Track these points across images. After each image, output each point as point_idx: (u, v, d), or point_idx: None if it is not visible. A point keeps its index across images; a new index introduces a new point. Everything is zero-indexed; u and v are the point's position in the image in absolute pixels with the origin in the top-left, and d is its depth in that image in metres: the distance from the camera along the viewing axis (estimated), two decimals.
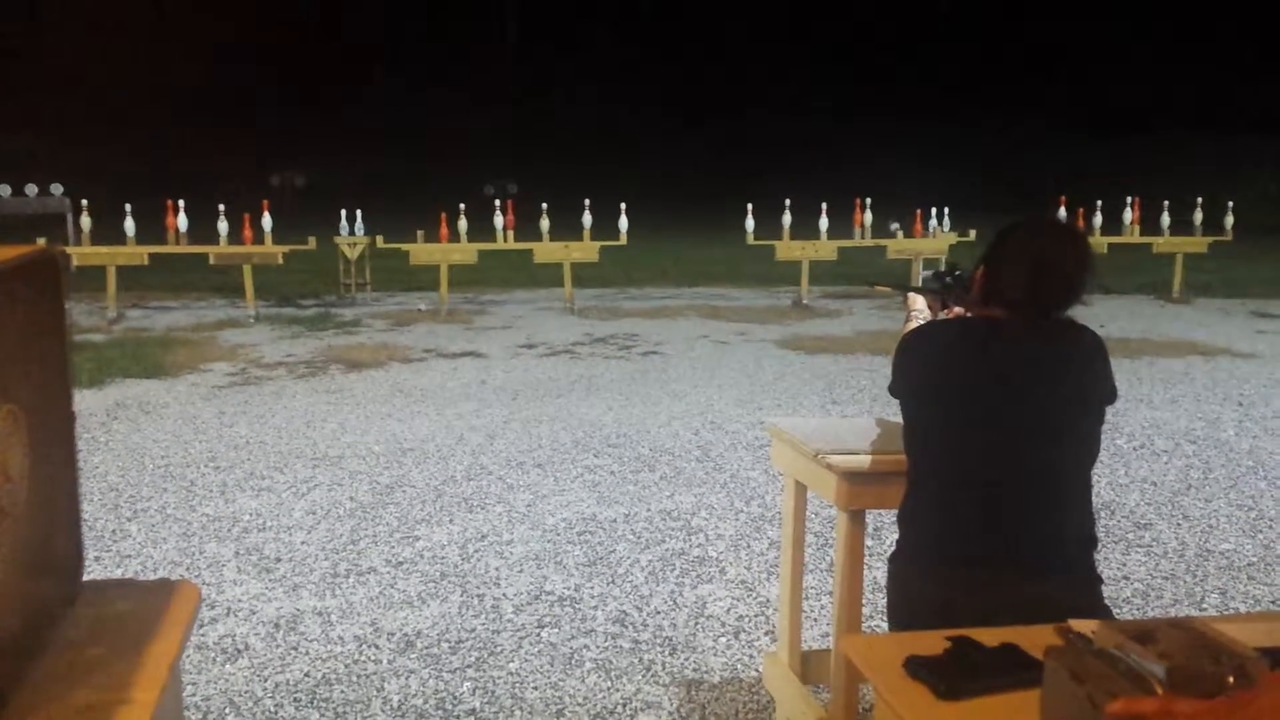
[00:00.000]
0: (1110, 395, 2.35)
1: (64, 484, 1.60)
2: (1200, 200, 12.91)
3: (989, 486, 2.25)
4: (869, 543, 2.99)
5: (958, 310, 2.73)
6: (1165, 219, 12.91)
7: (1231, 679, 1.26)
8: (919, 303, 2.91)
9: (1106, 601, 2.44)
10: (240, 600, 4.10)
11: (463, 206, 11.67)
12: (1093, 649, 1.35)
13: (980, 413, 2.27)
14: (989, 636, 1.75)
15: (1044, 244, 2.33)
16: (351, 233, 12.44)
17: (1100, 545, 2.39)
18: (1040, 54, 32.71)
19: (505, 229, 11.71)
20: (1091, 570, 2.32)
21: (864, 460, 2.79)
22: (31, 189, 13.02)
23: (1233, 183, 19.23)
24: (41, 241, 8.87)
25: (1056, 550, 2.25)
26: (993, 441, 2.26)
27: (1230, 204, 13.00)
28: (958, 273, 2.81)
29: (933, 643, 1.73)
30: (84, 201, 11.12)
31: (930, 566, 2.30)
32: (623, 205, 11.71)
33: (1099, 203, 12.82)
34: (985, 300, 2.37)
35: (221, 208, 11.06)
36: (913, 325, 2.72)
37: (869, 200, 12.35)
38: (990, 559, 2.23)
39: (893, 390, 2.51)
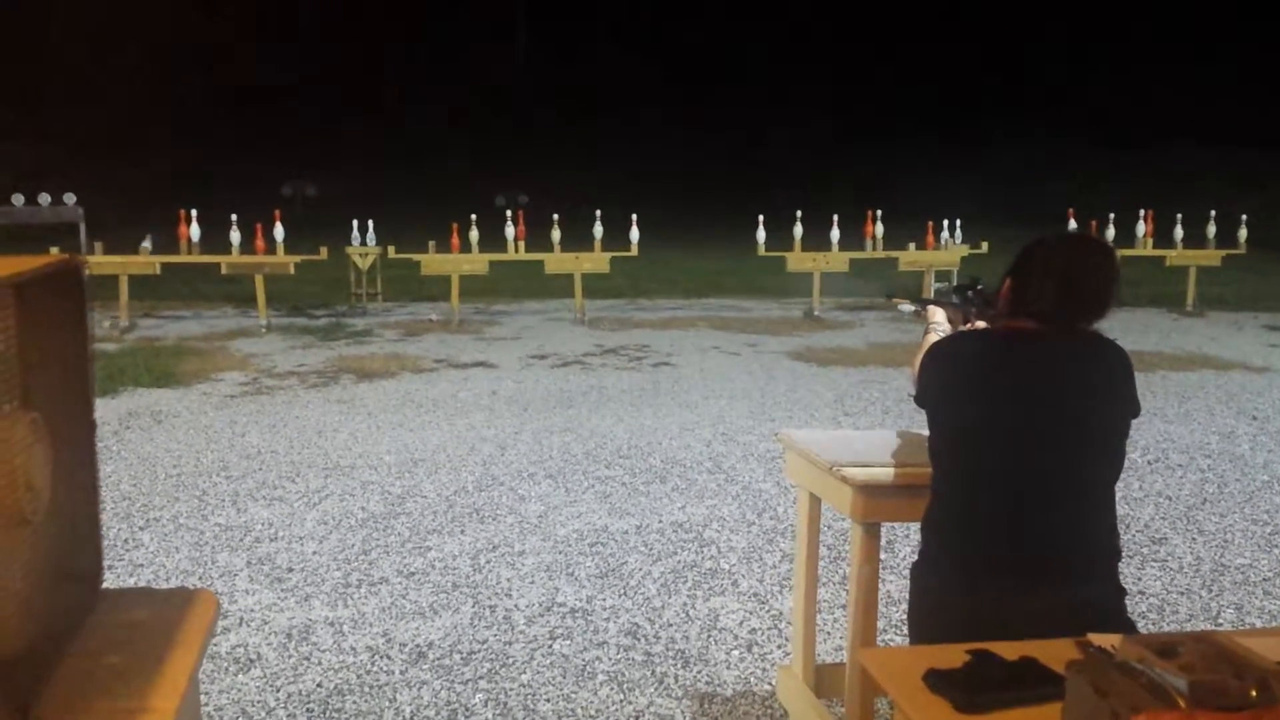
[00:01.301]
0: (1134, 409, 2.36)
1: (85, 492, 1.61)
2: (1214, 213, 12.88)
3: (1015, 493, 2.26)
4: (882, 556, 2.98)
5: (980, 324, 2.73)
6: (1178, 232, 12.88)
7: (1254, 693, 1.25)
8: (939, 315, 2.91)
9: (1131, 619, 2.44)
10: (252, 610, 4.10)
11: (474, 217, 11.71)
12: (1115, 662, 1.34)
13: (1007, 420, 2.28)
14: (1009, 650, 1.74)
15: (1072, 257, 2.34)
16: (363, 243, 12.48)
17: (1122, 556, 2.39)
18: (1054, 66, 32.71)
19: (516, 240, 11.74)
20: (1115, 580, 2.33)
21: (879, 473, 2.78)
22: (44, 198, 13.06)
23: (1246, 196, 19.19)
24: (55, 251, 8.92)
25: (1082, 558, 2.26)
26: (1019, 449, 2.27)
27: (1244, 217, 12.97)
28: (979, 287, 2.80)
29: (952, 656, 1.72)
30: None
31: (954, 572, 2.31)
32: (634, 216, 11.73)
33: (1112, 215, 12.81)
34: (1013, 312, 2.38)
35: (234, 217, 11.11)
36: (933, 337, 2.72)
37: (879, 212, 12.37)
38: (1015, 565, 2.24)
39: (919, 399, 2.51)
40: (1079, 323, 2.32)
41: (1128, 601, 4.17)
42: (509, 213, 12.06)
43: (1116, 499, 2.36)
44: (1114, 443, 2.32)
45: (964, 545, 2.31)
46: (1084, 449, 2.27)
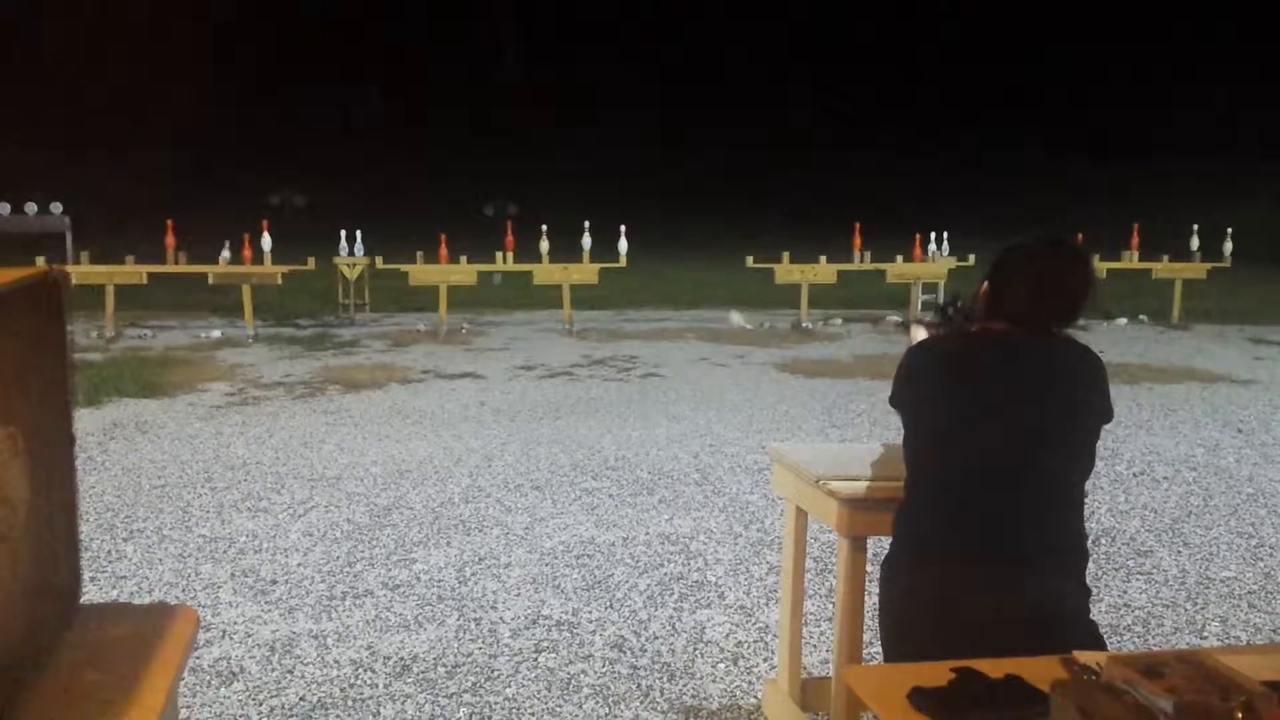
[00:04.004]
0: (1106, 414, 2.40)
1: (63, 507, 1.59)
2: (1196, 227, 12.96)
3: (983, 492, 2.30)
4: (870, 569, 2.97)
5: None
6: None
7: (1240, 715, 1.25)
8: (920, 333, 2.93)
9: (1105, 629, 2.46)
10: (236, 623, 4.07)
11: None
12: (1100, 683, 1.33)
13: (978, 420, 2.33)
14: (993, 668, 1.73)
15: (1047, 261, 2.39)
16: (351, 253, 12.45)
17: (1090, 558, 2.43)
18: (1040, 80, 32.88)
19: (505, 250, 11.73)
20: (1080, 579, 2.36)
21: (866, 487, 2.78)
22: (31, 207, 13.02)
23: (1232, 209, 19.30)
24: (40, 261, 8.87)
25: (1047, 556, 2.30)
26: (989, 448, 2.31)
27: (1229, 230, 13.05)
28: (959, 304, 2.82)
29: (936, 674, 1.71)
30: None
31: (921, 569, 2.34)
32: (622, 228, 11.74)
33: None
34: (989, 315, 2.43)
35: (226, 244, 11.08)
36: None
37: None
38: (981, 562, 2.27)
39: (893, 400, 2.55)
40: (1052, 325, 2.37)
41: (1113, 615, 4.18)
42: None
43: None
44: (1083, 445, 2.36)
45: (932, 542, 2.34)
46: (1053, 449, 2.31)
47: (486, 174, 28.03)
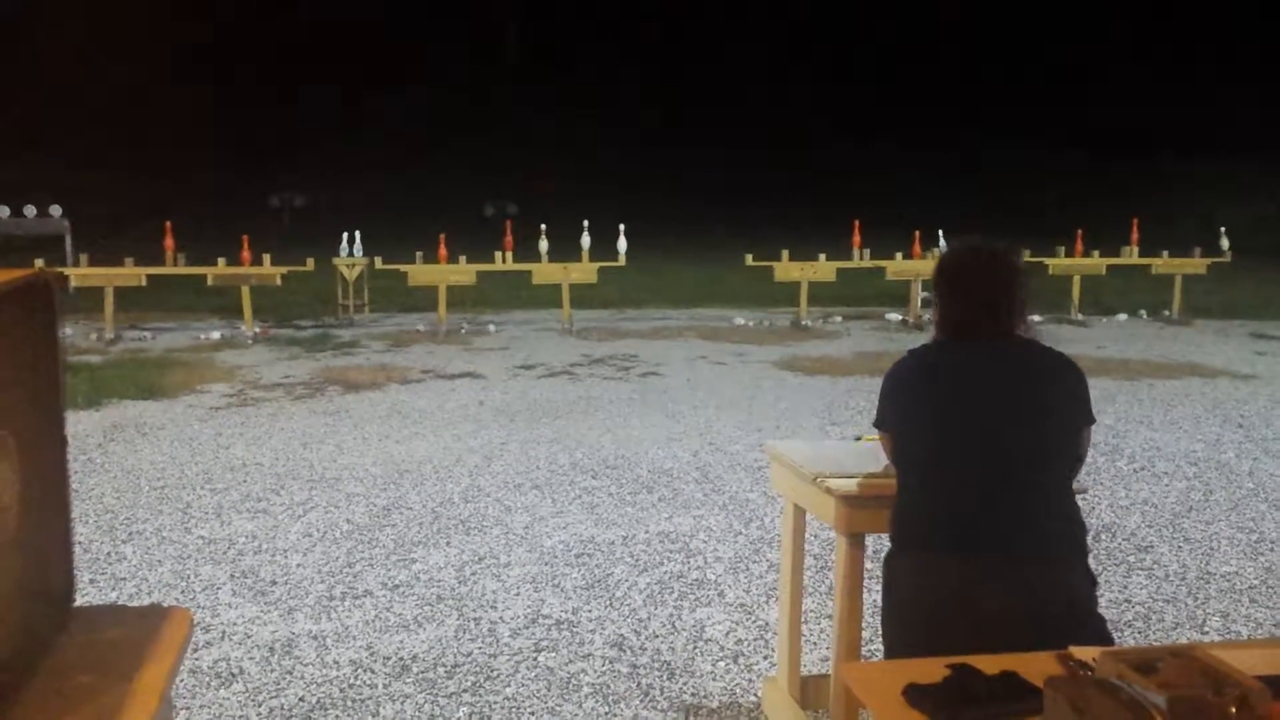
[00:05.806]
0: (1087, 416, 2.48)
1: (55, 509, 1.59)
2: (1225, 229, 12.97)
3: (975, 487, 2.37)
4: (868, 566, 2.97)
5: None
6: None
7: (1234, 710, 1.24)
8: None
9: (1103, 614, 2.49)
10: (235, 624, 4.07)
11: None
12: (1093, 678, 1.33)
13: (961, 419, 2.40)
14: (989, 664, 1.73)
15: (967, 269, 2.50)
16: (350, 254, 12.44)
17: (1090, 553, 2.48)
18: (1041, 77, 32.88)
19: (504, 250, 11.73)
20: (1083, 566, 2.41)
21: (864, 484, 2.78)
22: (30, 210, 13.02)
23: (1231, 204, 19.28)
24: (39, 263, 8.87)
25: (1042, 545, 2.36)
26: (973, 445, 2.39)
27: (1222, 229, 13.06)
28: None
29: (932, 670, 1.71)
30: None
31: (923, 563, 2.40)
32: (621, 227, 11.72)
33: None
34: (942, 329, 2.54)
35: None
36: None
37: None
38: (980, 554, 2.33)
39: (879, 422, 2.62)
40: (1001, 328, 2.46)
41: (1113, 610, 4.18)
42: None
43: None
44: (1066, 441, 2.44)
45: (929, 542, 2.41)
46: (1035, 445, 2.39)
47: (485, 174, 28.01)
